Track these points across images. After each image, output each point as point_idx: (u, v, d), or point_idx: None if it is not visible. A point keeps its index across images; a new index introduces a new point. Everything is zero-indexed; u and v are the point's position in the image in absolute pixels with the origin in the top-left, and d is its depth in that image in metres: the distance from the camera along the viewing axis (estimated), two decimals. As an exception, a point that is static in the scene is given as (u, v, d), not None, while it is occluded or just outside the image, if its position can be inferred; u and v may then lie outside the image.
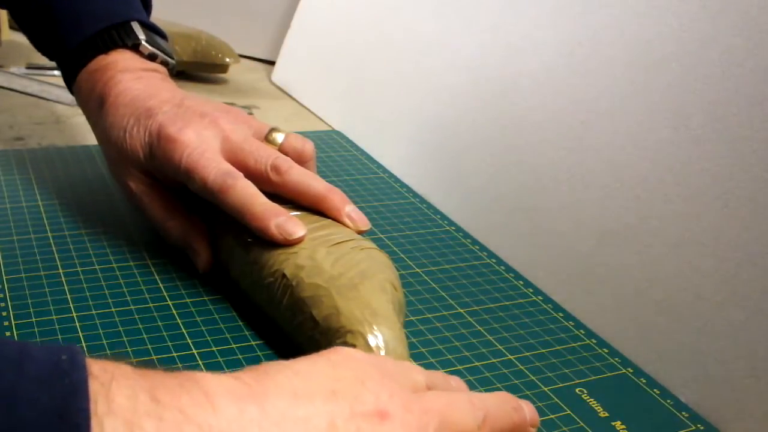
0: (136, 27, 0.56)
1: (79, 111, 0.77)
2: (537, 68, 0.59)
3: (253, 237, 0.46)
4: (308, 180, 0.48)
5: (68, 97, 0.79)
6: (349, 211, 0.48)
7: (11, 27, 0.97)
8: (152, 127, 0.49)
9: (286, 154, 0.50)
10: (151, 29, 0.58)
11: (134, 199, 0.51)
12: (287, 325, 0.43)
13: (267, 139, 0.51)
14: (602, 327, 0.50)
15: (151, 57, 0.56)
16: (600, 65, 0.54)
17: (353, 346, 0.38)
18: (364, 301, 0.41)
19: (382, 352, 0.39)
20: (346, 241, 0.45)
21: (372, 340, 0.39)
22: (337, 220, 0.47)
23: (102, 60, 0.55)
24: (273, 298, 0.44)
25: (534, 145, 0.58)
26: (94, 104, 0.53)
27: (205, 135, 0.48)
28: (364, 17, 0.80)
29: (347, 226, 0.47)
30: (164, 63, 0.57)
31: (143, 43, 0.56)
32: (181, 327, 0.45)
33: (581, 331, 0.49)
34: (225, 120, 0.50)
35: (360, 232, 0.48)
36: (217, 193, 0.46)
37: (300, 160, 0.51)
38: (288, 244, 0.44)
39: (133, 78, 0.53)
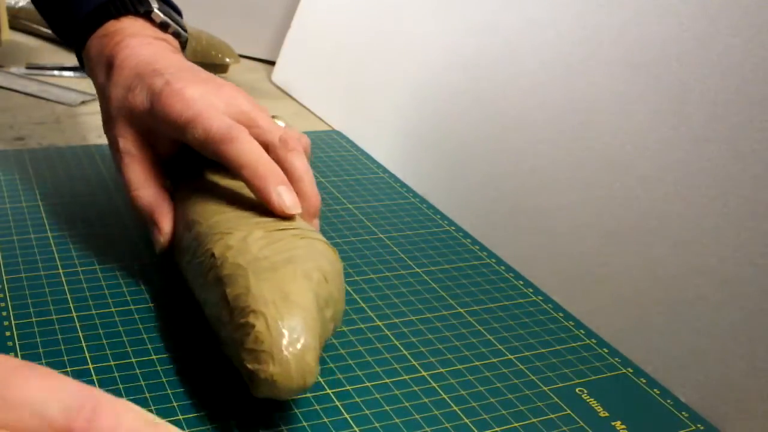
0: None
1: (80, 111, 0.77)
2: (537, 68, 0.59)
3: (202, 215, 0.44)
4: (304, 171, 0.47)
5: (68, 96, 0.79)
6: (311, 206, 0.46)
7: (11, 27, 0.97)
8: (156, 84, 0.48)
9: None
10: (165, 2, 0.57)
11: (117, 160, 0.49)
12: (207, 308, 0.41)
13: None
14: (602, 327, 0.50)
15: (163, 26, 0.55)
16: (600, 65, 0.54)
17: (253, 326, 0.36)
18: (279, 284, 0.38)
19: (285, 339, 0.36)
20: (290, 228, 0.43)
21: (275, 324, 0.36)
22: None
23: (112, 25, 0.54)
24: (198, 277, 0.42)
25: (534, 145, 0.58)
26: (102, 68, 0.53)
27: (209, 96, 0.47)
28: (364, 17, 0.80)
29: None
30: (176, 35, 0.56)
31: (155, 10, 0.54)
32: (181, 327, 0.45)
33: (581, 331, 0.49)
34: (230, 87, 0.49)
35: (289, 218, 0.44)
36: (219, 142, 0.44)
37: None
38: (282, 215, 0.43)
39: (142, 43, 0.52)
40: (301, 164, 0.47)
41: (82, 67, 0.58)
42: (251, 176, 0.44)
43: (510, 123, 0.60)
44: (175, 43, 0.56)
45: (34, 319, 0.44)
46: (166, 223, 0.47)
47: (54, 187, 0.59)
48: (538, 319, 0.50)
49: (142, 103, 0.48)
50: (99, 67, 0.53)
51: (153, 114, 0.47)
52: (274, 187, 0.43)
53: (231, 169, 0.45)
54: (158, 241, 0.47)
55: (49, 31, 0.96)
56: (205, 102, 0.47)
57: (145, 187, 0.48)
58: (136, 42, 0.52)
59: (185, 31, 0.57)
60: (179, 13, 0.58)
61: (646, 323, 0.48)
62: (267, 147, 0.46)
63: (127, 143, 0.49)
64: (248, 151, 0.44)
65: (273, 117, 0.51)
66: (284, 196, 0.43)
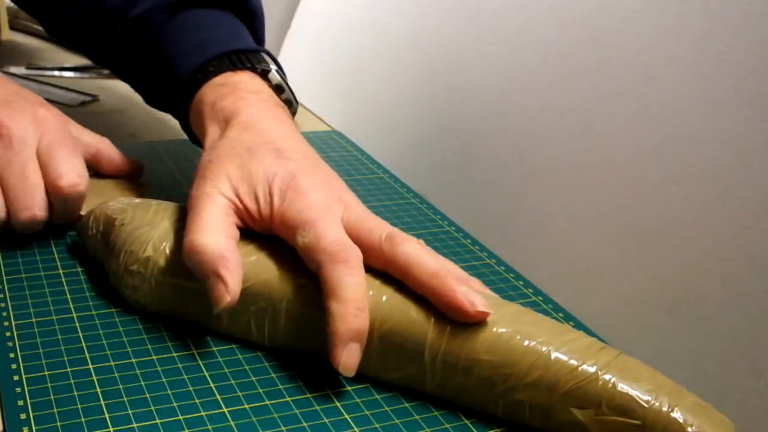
0: (266, 57, 0.54)
1: (80, 111, 0.77)
2: (537, 68, 0.59)
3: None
4: (422, 255, 0.42)
5: (68, 97, 0.79)
6: (465, 291, 0.40)
7: (11, 27, 0.97)
8: (281, 171, 0.45)
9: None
10: (278, 66, 0.55)
11: (196, 199, 0.45)
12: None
13: None
14: (602, 327, 0.50)
15: (278, 89, 0.53)
16: (600, 65, 0.54)
17: None
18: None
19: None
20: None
21: None
22: (448, 305, 0.40)
23: (230, 76, 0.51)
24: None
25: (534, 145, 0.58)
26: (217, 119, 0.49)
27: (329, 200, 0.44)
28: (364, 17, 0.80)
29: (463, 309, 0.40)
30: (288, 103, 0.53)
31: (273, 71, 0.53)
32: (182, 327, 0.45)
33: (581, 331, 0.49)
34: (343, 189, 0.47)
35: (472, 316, 0.40)
36: (328, 259, 0.41)
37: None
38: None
39: (263, 107, 0.49)
40: (409, 251, 0.42)
41: (185, 127, 0.56)
42: (335, 306, 0.40)
43: (510, 123, 0.60)
44: (287, 110, 0.53)
45: (34, 320, 0.44)
46: (233, 278, 0.41)
47: (54, 187, 0.59)
48: (538, 319, 0.50)
49: (261, 181, 0.45)
50: (213, 117, 0.50)
51: (270, 202, 0.44)
52: (345, 336, 0.39)
53: (321, 285, 0.41)
54: (222, 298, 0.40)
55: (49, 31, 0.96)
56: (325, 206, 0.44)
57: (215, 235, 0.42)
58: (259, 104, 0.49)
59: (296, 99, 0.55)
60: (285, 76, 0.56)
61: (646, 323, 0.48)
62: (375, 247, 0.43)
63: (219, 196, 0.44)
64: (348, 285, 0.40)
65: None
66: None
